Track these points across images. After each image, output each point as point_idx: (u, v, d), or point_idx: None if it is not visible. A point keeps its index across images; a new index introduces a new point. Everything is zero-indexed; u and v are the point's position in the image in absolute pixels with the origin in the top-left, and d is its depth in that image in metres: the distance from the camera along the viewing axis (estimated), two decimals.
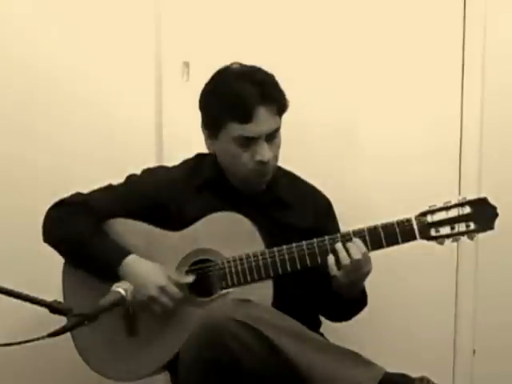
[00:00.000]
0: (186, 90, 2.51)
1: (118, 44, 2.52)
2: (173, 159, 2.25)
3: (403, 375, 1.83)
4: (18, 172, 2.52)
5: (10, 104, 2.52)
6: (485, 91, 2.44)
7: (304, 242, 1.98)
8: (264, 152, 2.01)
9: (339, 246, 1.97)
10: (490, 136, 2.46)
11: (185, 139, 2.49)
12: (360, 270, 1.97)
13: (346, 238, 1.98)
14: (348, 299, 2.07)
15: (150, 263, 2.02)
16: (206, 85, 2.08)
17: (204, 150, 2.19)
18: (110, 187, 2.14)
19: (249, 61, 2.10)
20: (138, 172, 2.18)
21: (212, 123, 2.06)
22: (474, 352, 2.55)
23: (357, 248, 1.96)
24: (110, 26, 2.51)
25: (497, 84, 2.44)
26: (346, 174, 2.51)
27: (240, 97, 1.98)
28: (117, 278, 1.97)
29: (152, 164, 2.26)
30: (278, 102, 2.03)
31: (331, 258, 1.97)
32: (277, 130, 2.04)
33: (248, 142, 2.01)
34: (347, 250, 1.96)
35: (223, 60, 2.41)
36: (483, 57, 2.43)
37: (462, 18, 2.44)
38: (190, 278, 2.02)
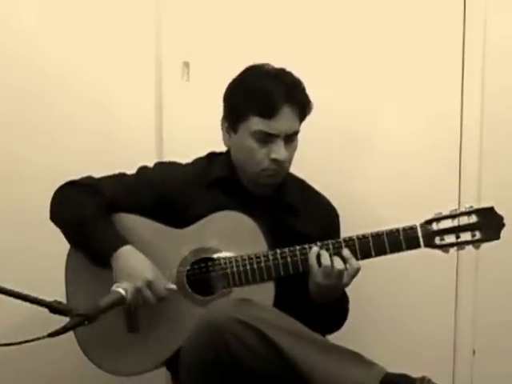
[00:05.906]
0: (186, 90, 2.51)
1: (118, 44, 2.52)
2: (173, 159, 2.25)
3: (404, 375, 1.82)
4: (18, 171, 2.52)
5: (11, 103, 2.52)
6: (485, 90, 2.44)
7: (307, 246, 1.97)
8: (281, 151, 2.01)
9: (325, 254, 1.94)
10: (489, 135, 2.46)
11: (185, 139, 2.49)
12: (339, 278, 1.93)
13: (349, 245, 1.94)
14: (319, 305, 2.01)
15: (145, 258, 2.00)
16: (235, 78, 2.08)
17: (205, 150, 2.19)
18: (120, 175, 2.15)
19: (249, 61, 2.09)
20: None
21: (234, 114, 2.05)
22: (474, 352, 2.55)
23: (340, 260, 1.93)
24: (111, 26, 2.51)
25: (497, 83, 2.44)
26: (346, 171, 2.51)
27: (267, 92, 2.00)
28: (109, 265, 1.98)
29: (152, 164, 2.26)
30: (302, 105, 2.04)
31: (313, 257, 1.94)
32: (296, 133, 2.05)
33: (267, 139, 2.01)
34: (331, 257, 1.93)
35: (223, 60, 2.43)
36: (483, 56, 2.43)
37: (462, 17, 2.44)
38: (174, 286, 2.01)
